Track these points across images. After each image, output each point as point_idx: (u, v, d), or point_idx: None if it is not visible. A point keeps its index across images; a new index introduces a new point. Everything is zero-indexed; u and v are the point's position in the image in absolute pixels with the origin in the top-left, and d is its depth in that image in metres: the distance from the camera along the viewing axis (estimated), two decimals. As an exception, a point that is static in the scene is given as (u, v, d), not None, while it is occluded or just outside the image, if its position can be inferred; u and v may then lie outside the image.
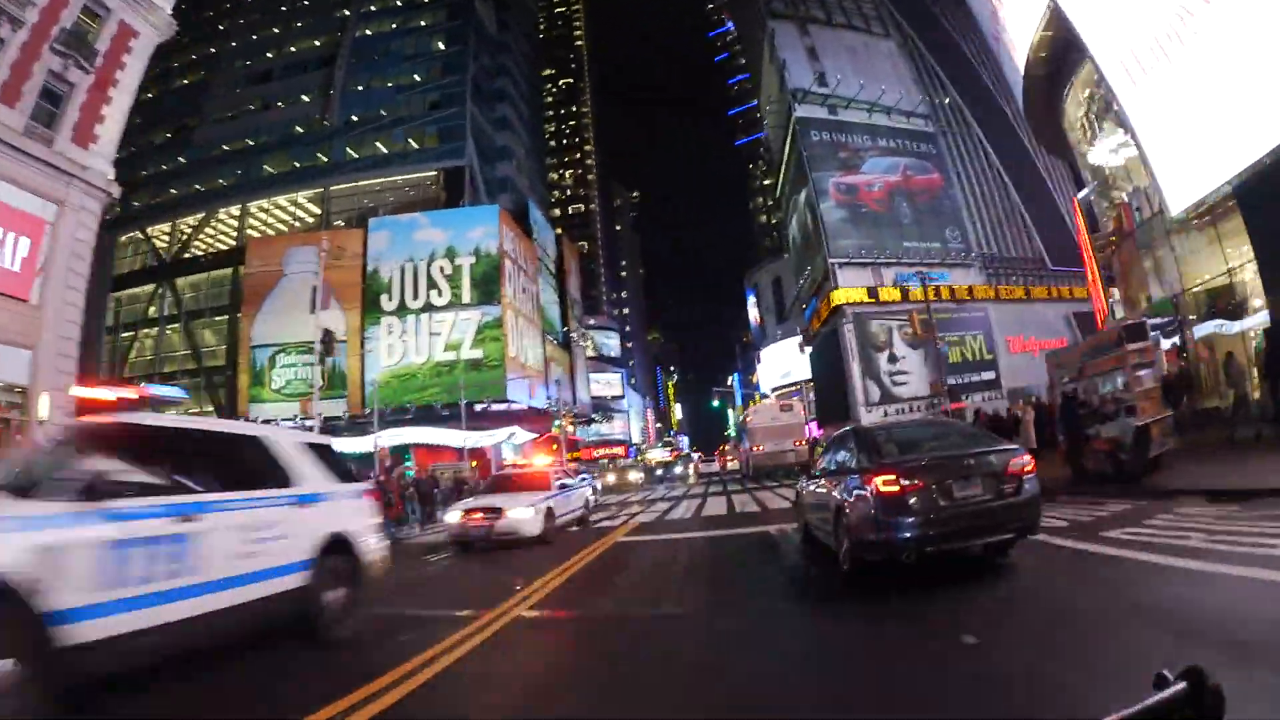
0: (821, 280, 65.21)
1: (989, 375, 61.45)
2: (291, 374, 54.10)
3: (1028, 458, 7.64)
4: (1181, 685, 1.11)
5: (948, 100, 71.48)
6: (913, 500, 7.11)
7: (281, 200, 64.56)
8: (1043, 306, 64.25)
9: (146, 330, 60.59)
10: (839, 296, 59.86)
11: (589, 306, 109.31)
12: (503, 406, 54.40)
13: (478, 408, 53.02)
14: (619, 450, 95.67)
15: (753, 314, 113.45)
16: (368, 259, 55.95)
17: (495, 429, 54.59)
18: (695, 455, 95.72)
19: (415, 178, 64.46)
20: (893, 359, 60.26)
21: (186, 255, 62.76)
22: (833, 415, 62.03)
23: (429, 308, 55.71)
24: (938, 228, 66.13)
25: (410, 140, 65.12)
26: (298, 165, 63.91)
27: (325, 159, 64.27)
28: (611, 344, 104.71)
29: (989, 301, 63.64)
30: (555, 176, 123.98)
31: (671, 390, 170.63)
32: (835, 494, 8.67)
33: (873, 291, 61.26)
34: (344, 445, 42.73)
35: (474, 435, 52.26)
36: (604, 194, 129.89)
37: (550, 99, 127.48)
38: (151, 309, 60.52)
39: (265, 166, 65.00)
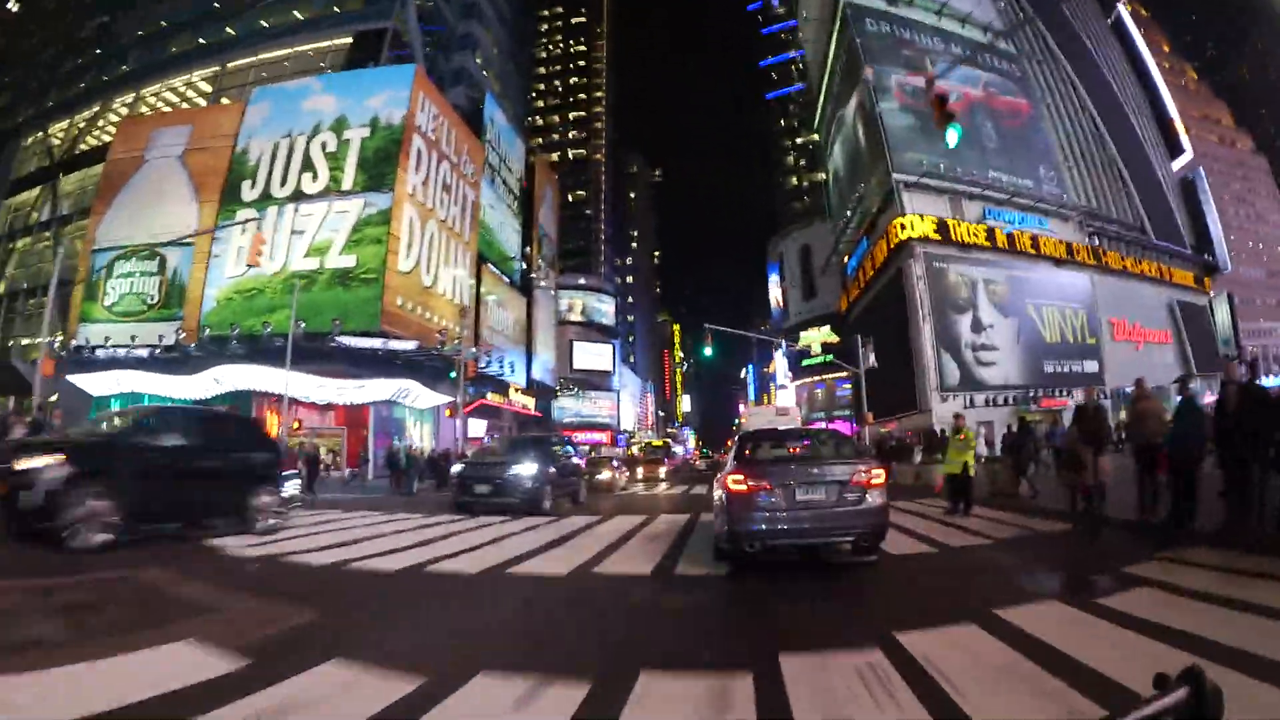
0: (876, 213, 46.08)
1: (1091, 365, 44.99)
2: (127, 286, 39.47)
3: (875, 471, 7.92)
4: (1182, 688, 1.07)
5: (1028, 24, 55.68)
6: (758, 499, 7.66)
7: (177, 83, 50.27)
8: (1144, 287, 51.21)
9: (26, 239, 49.93)
10: (905, 227, 40.91)
11: (580, 264, 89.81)
12: (374, 344, 34.54)
13: (349, 343, 34.29)
14: (602, 437, 76.22)
15: (774, 294, 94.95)
16: (240, 138, 40.36)
17: (373, 379, 34.93)
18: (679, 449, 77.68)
19: (326, 45, 46.89)
20: (977, 326, 41.92)
21: (77, 152, 50.24)
22: (892, 406, 42.80)
23: (297, 196, 38.39)
24: (1029, 162, 47.49)
25: (333, 5, 48.66)
26: (202, 42, 50.58)
27: (233, 33, 49.76)
28: (604, 309, 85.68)
29: (1090, 269, 47.23)
30: (555, 118, 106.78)
31: (679, 378, 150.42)
32: (715, 490, 9.43)
33: (944, 228, 41.53)
34: (163, 385, 34.90)
35: (333, 386, 33.61)
36: (614, 152, 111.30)
37: (556, 25, 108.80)
38: (34, 215, 49.93)
39: (172, 48, 51.45)
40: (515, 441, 21.87)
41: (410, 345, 35.54)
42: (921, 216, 41.84)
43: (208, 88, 49.04)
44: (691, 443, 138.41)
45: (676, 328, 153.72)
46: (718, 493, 8.86)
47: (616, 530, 12.22)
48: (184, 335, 36.37)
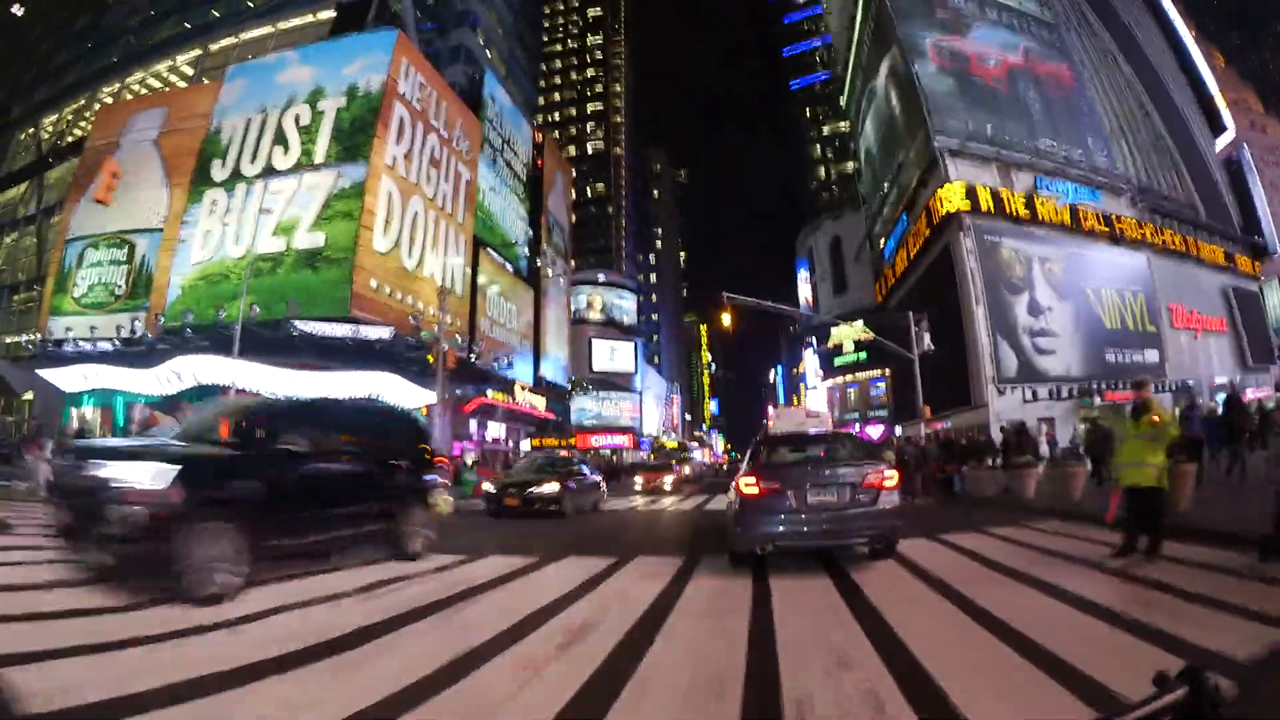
0: (915, 186, 41.08)
1: (1151, 355, 39.82)
2: (96, 277, 36.61)
3: (889, 472, 7.77)
4: (1182, 687, 1.07)
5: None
6: (769, 501, 7.55)
7: (161, 68, 47.30)
8: (1200, 270, 46.20)
9: (13, 234, 47.97)
10: (951, 196, 36.00)
11: (601, 261, 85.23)
12: (343, 331, 30.12)
13: (313, 331, 30.22)
14: (624, 440, 71.43)
15: (803, 291, 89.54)
16: (214, 117, 36.94)
17: (344, 372, 31.02)
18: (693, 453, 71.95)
19: (309, 21, 42.94)
20: (1034, 309, 36.97)
21: (64, 144, 47.77)
22: (937, 403, 37.78)
23: (268, 173, 34.61)
24: (1076, 132, 42.39)
25: (321, -21, 44.02)
26: (187, 26, 47.81)
27: (216, 14, 47.06)
28: (626, 306, 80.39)
29: (1146, 249, 42.11)
30: (572, 111, 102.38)
31: (706, 380, 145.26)
32: (730, 493, 9.21)
33: (995, 199, 36.63)
34: (128, 380, 31.62)
35: (297, 380, 29.63)
36: (635, 147, 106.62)
37: (572, 19, 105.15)
38: (20, 209, 47.94)
39: (158, 35, 48.89)
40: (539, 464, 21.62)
41: (385, 333, 30.93)
42: (970, 186, 36.67)
43: (190, 71, 45.69)
44: (720, 446, 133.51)
45: (704, 329, 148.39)
46: (731, 495, 8.75)
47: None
48: (141, 326, 32.95)
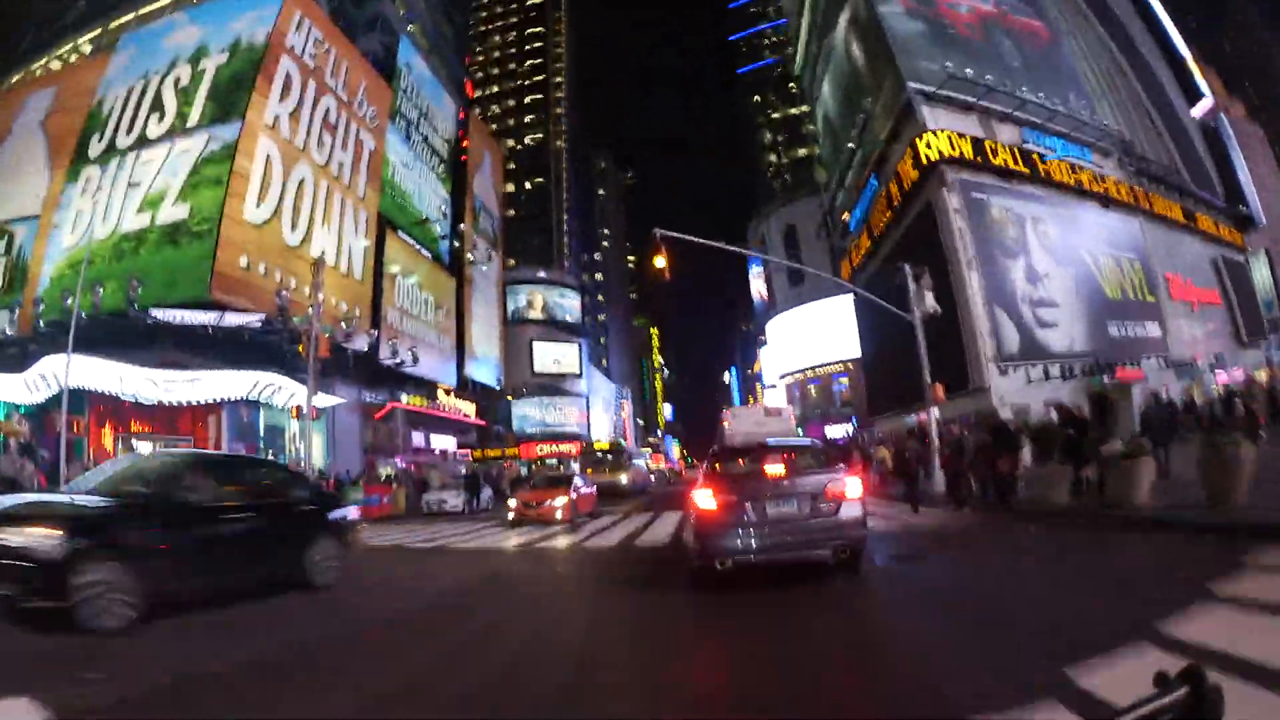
0: (886, 141, 36.06)
1: (1152, 329, 35.05)
2: None
3: (850, 481, 7.52)
4: (1182, 687, 1.01)
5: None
6: (727, 515, 7.24)
7: (62, 51, 42.43)
8: (1190, 239, 41.62)
9: None
10: (930, 145, 30.40)
11: (541, 258, 79.36)
12: (206, 318, 24.06)
13: (171, 319, 24.77)
14: (571, 448, 65.47)
15: (756, 287, 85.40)
16: (99, 90, 31.98)
17: (213, 370, 25.10)
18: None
19: None
20: (1033, 275, 31.78)
21: None
22: (921, 390, 32.64)
23: (141, 143, 29.46)
24: (1058, 86, 38.21)
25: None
26: (84, 6, 42.77)
27: None
28: (568, 305, 74.64)
29: (1141, 213, 37.53)
30: (511, 102, 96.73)
31: (659, 385, 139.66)
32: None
33: (980, 149, 31.63)
34: None
35: (161, 380, 24.88)
36: (577, 143, 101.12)
37: (511, 6, 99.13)
38: None
39: (65, 19, 43.66)
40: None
41: (254, 319, 24.78)
42: (950, 134, 31.59)
43: (89, 50, 39.96)
44: (675, 452, 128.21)
45: (655, 331, 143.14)
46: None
47: None
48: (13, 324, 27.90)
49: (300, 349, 22.36)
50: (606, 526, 16.75)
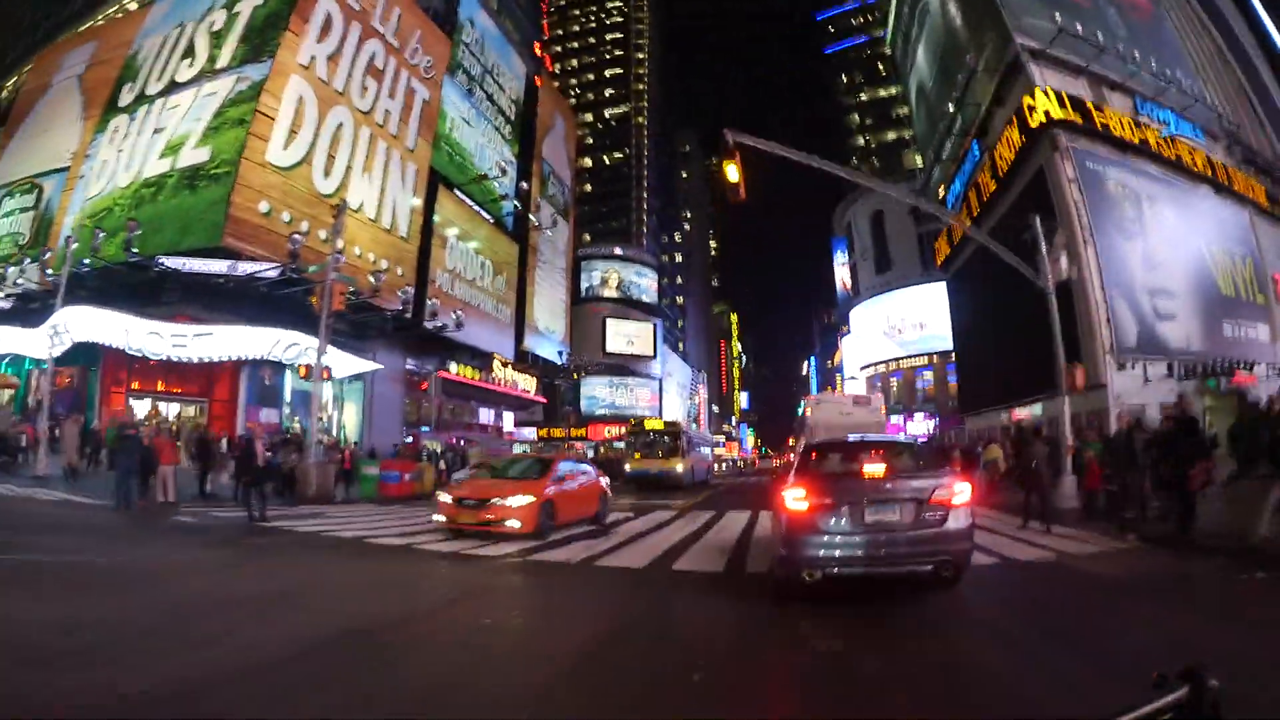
0: (989, 106, 31.05)
1: (1263, 331, 29.96)
2: (5, 227, 31.45)
3: (959, 487, 6.49)
4: (1183, 688, 1.05)
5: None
6: (819, 519, 6.36)
7: (110, 9, 41.02)
8: None
9: None
10: (1043, 103, 26.68)
11: (618, 235, 75.55)
12: (217, 267, 21.11)
13: (181, 267, 22.45)
14: (640, 430, 61.99)
15: (840, 275, 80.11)
16: (135, 41, 30.52)
17: (229, 326, 22.97)
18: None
19: None
20: (1149, 261, 27.03)
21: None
22: (1019, 386, 28.91)
23: (170, 88, 27.47)
24: (1161, 62, 33.17)
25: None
26: None
27: None
28: (645, 285, 71.38)
29: (1250, 204, 32.36)
30: (590, 76, 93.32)
31: (736, 372, 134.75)
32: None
33: (1091, 116, 26.96)
34: (18, 341, 24.91)
35: (168, 335, 22.62)
36: (661, 122, 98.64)
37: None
38: None
39: None
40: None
41: (270, 269, 21.63)
42: (1062, 94, 26.68)
43: (134, 5, 38.17)
44: (750, 442, 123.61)
45: (735, 318, 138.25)
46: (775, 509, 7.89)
47: None
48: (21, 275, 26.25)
49: (313, 300, 18.95)
50: (645, 531, 12.43)
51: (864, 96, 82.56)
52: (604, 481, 14.13)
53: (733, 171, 11.90)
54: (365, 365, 27.28)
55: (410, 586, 7.69)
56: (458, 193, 34.88)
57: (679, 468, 27.67)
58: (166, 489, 14.76)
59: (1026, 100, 27.04)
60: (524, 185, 40.66)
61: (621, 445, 38.63)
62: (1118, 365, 24.24)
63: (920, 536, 6.24)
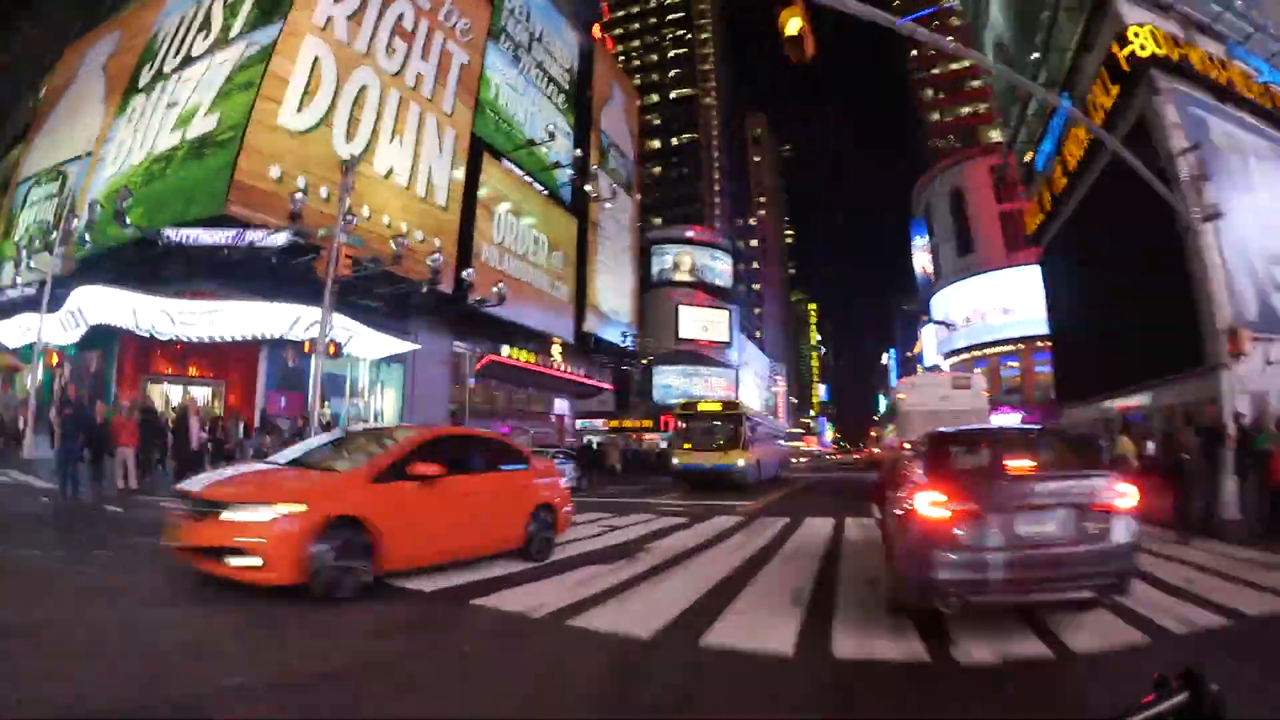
0: (1076, 52, 26.72)
1: None
2: (34, 215, 30.32)
3: (1123, 489, 5.09)
4: (1184, 692, 1.01)
5: None
6: (960, 532, 4.85)
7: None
8: None
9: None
10: (1141, 39, 21.34)
11: (689, 219, 71.95)
12: (217, 238, 18.42)
13: (182, 239, 19.92)
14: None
15: (919, 261, 74.98)
16: (157, 22, 28.70)
17: (241, 301, 20.80)
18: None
19: None
20: (1265, 225, 21.16)
21: None
22: (1122, 372, 24.32)
23: (185, 62, 25.51)
24: (1247, 3, 25.91)
25: None
26: None
27: None
28: (719, 269, 67.29)
29: None
30: (654, 57, 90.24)
31: (815, 364, 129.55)
32: (892, 510, 6.27)
33: (1187, 61, 21.77)
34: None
35: (176, 312, 20.49)
36: (731, 102, 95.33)
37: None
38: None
39: None
40: None
41: (278, 238, 18.89)
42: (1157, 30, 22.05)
43: None
44: (829, 435, 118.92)
45: (813, 308, 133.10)
46: (892, 517, 6.17)
47: None
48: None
49: (317, 266, 16.14)
50: (676, 558, 8.10)
51: (936, 71, 79.04)
52: (552, 482, 8.61)
53: (794, 23, 8.18)
54: (402, 345, 24.59)
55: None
56: (506, 162, 32.17)
57: (740, 462, 21.74)
58: (127, 473, 12.99)
59: (1121, 37, 22.52)
60: (579, 153, 37.71)
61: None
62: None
63: (1081, 555, 4.86)
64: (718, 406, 24.59)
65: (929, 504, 4.96)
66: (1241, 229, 21.39)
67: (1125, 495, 5.03)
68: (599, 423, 46.35)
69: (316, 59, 23.00)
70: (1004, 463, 5.68)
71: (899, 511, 5.63)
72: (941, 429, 7.46)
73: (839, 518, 12.12)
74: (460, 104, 29.36)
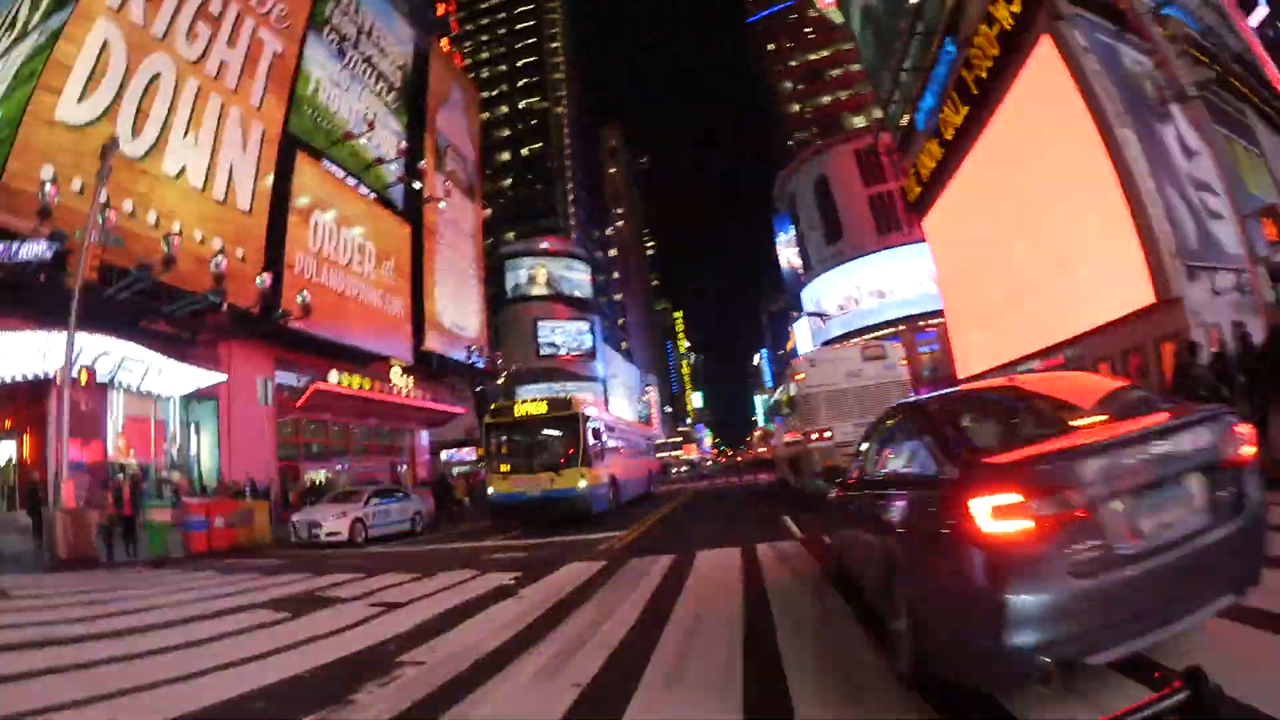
0: None
1: None
2: None
3: (1244, 427, 3.27)
4: (1185, 691, 1.00)
5: None
6: (1061, 549, 2.77)
7: None
8: None
9: None
10: None
11: (544, 231, 69.79)
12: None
13: None
14: (587, 439, 56.12)
15: (784, 256, 76.71)
16: None
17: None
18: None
19: None
20: (1186, 150, 20.58)
21: None
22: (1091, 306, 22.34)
23: None
24: None
25: None
26: None
27: None
28: (577, 279, 65.94)
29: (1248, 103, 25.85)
30: (503, 67, 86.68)
31: (687, 371, 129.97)
32: (887, 532, 3.91)
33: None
34: None
35: None
36: (581, 111, 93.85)
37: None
38: None
39: None
40: None
41: (38, 247, 15.49)
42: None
43: None
44: (708, 441, 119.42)
45: (679, 315, 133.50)
46: (856, 526, 4.63)
47: None
48: None
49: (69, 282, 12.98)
50: (459, 681, 4.20)
51: (794, 63, 79.71)
52: None
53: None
54: (208, 376, 21.08)
55: None
56: (326, 162, 28.90)
57: (581, 484, 16.19)
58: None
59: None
60: (404, 147, 34.73)
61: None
62: (1188, 275, 18.78)
63: (1223, 540, 2.87)
64: (543, 408, 17.64)
65: (1000, 514, 2.81)
66: (1168, 153, 20.90)
67: (1248, 439, 3.26)
68: (466, 452, 42.90)
69: (106, 43, 19.41)
70: (1069, 423, 3.44)
71: (910, 535, 3.58)
72: (909, 399, 5.95)
73: (745, 545, 9.08)
74: (271, 97, 25.79)
